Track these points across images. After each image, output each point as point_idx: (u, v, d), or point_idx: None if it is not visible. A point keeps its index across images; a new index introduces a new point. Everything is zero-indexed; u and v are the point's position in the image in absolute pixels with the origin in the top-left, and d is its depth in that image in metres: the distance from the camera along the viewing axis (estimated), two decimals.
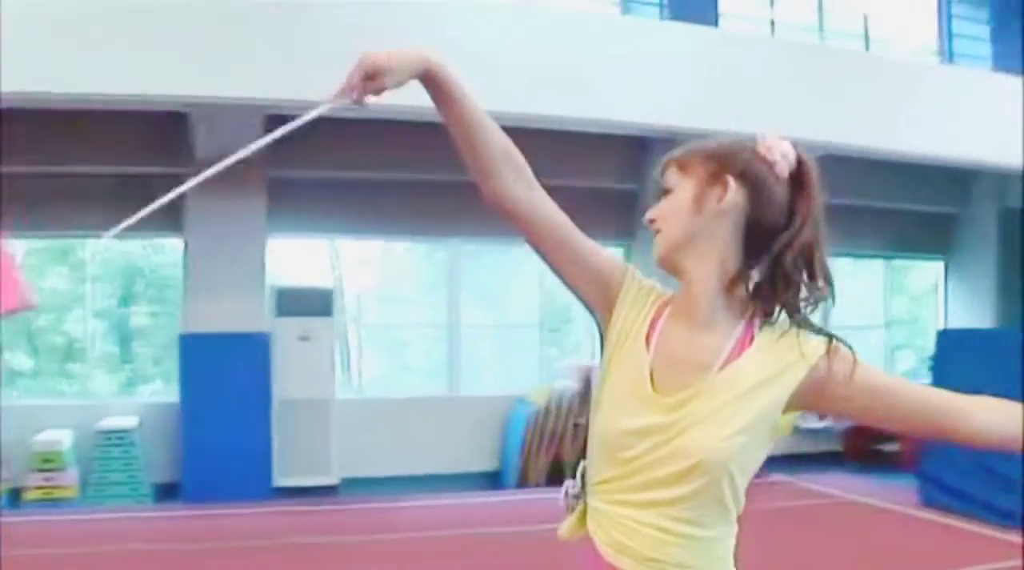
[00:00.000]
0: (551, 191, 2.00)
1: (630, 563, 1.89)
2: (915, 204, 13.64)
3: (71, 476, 10.16)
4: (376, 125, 10.25)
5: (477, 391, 12.73)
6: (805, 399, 1.91)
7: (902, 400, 1.93)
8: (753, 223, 1.90)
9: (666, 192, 1.98)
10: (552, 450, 11.49)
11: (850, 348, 1.91)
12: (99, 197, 10.17)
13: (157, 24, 8.82)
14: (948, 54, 14.40)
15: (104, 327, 12.26)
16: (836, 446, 13.06)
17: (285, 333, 10.89)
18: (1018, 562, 7.21)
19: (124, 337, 12.41)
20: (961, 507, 8.97)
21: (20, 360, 11.95)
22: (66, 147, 10.40)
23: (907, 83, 11.80)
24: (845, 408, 1.95)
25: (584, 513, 1.99)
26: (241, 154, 1.89)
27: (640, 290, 2.01)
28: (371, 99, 1.86)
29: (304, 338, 10.93)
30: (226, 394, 10.27)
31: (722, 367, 1.89)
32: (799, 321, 1.92)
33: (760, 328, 1.92)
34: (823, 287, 1.91)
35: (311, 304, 11.06)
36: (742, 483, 1.90)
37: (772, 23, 13.39)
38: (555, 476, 11.33)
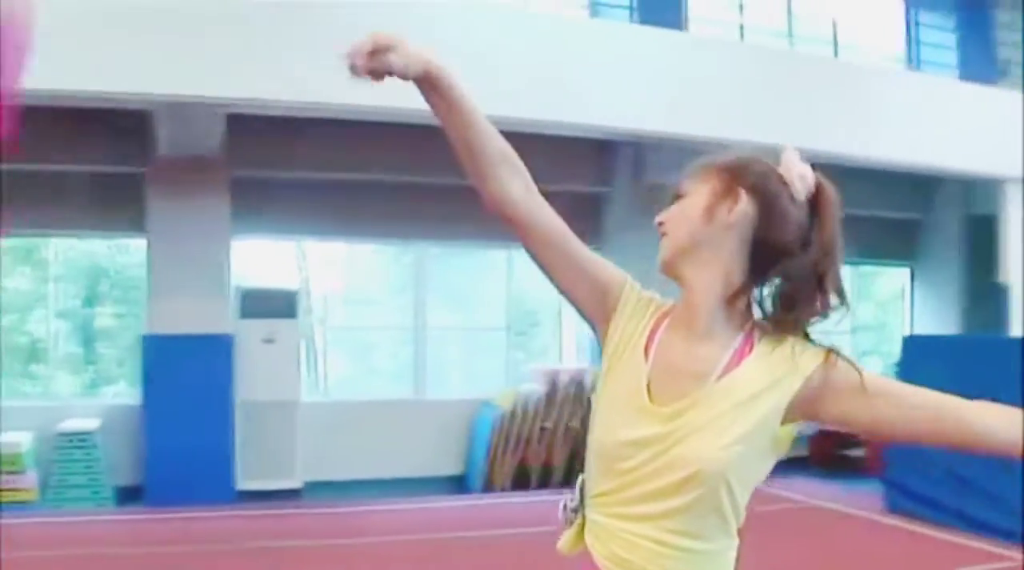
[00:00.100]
0: None
1: None
2: (881, 210, 13.72)
3: (30, 479, 10.03)
4: (343, 126, 10.21)
5: (443, 394, 12.68)
6: (803, 410, 1.89)
7: (919, 406, 1.89)
8: (761, 239, 1.90)
9: (679, 197, 1.98)
10: (518, 454, 11.46)
11: (850, 361, 1.89)
12: (63, 196, 10.05)
13: (126, 23, 8.69)
14: (915, 61, 14.52)
15: (67, 328, 12.12)
16: (802, 451, 13.06)
17: (249, 335, 10.83)
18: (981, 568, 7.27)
19: (88, 338, 12.28)
20: (926, 513, 9.02)
21: None
22: (30, 145, 10.23)
23: (874, 89, 11.84)
24: (856, 418, 1.91)
25: (583, 527, 1.98)
26: None
27: (639, 300, 2.01)
28: (370, 78, 1.85)
29: (269, 340, 10.87)
30: (189, 396, 10.18)
31: (720, 377, 1.88)
32: (798, 333, 1.91)
33: (759, 338, 1.91)
34: (833, 305, 1.91)
35: (276, 306, 11.01)
36: (742, 495, 1.90)
37: (741, 28, 13.43)
38: (521, 480, 11.33)
